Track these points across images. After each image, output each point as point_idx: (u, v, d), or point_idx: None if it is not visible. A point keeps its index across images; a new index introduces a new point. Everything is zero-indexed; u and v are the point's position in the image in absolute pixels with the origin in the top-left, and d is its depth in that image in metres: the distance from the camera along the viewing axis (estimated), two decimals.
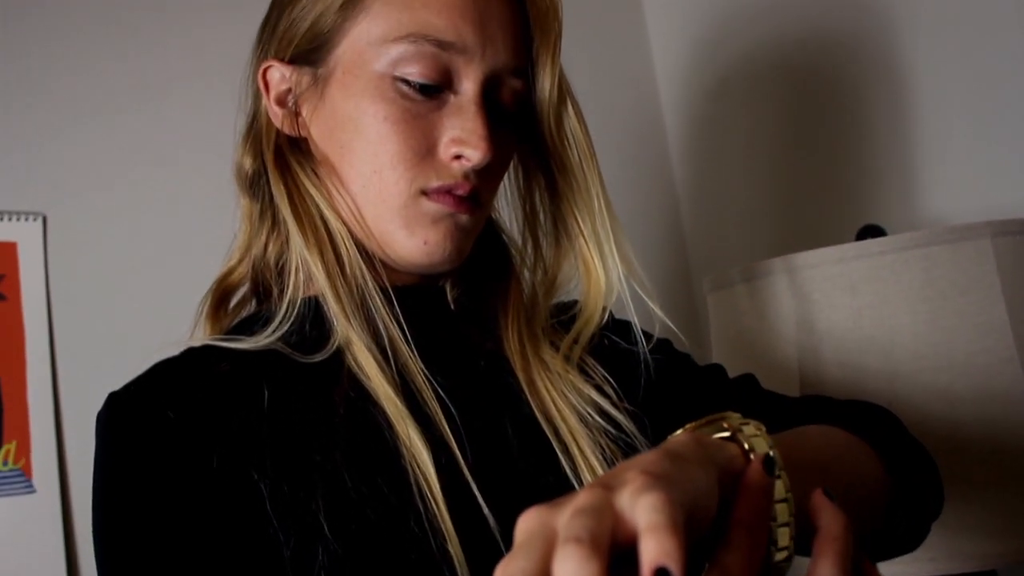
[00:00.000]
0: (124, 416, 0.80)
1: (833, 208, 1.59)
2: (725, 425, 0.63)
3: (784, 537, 0.58)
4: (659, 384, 0.96)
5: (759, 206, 1.71)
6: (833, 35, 1.58)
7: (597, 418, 0.88)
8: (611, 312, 0.98)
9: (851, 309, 1.15)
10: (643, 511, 0.47)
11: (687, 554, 0.46)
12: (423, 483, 0.78)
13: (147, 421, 0.79)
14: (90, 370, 1.21)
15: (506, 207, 1.00)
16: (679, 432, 0.60)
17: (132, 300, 1.28)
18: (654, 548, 0.45)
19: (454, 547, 0.76)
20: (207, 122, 1.26)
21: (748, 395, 0.98)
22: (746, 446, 0.62)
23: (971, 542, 1.07)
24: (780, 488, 0.61)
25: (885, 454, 0.85)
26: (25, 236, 1.23)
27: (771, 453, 0.62)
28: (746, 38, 1.71)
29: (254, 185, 0.92)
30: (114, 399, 0.82)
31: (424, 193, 0.86)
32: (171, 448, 0.77)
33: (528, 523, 0.50)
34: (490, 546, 0.78)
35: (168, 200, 1.32)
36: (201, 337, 0.92)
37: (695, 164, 1.82)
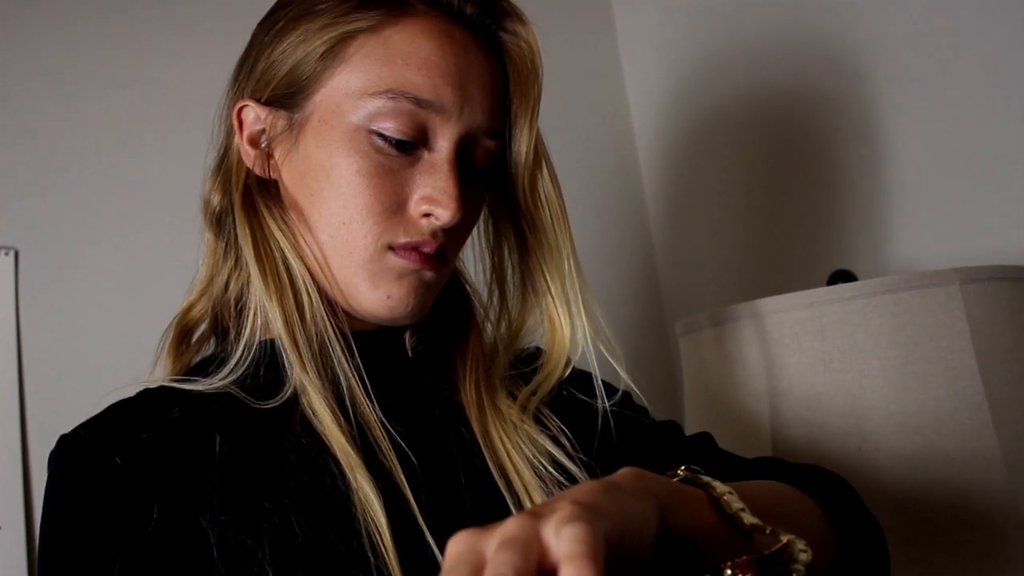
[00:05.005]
0: (71, 460, 0.81)
1: (806, 254, 1.60)
2: (680, 472, 0.65)
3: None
4: (616, 440, 0.96)
5: (732, 251, 1.72)
6: (807, 87, 1.60)
7: (551, 469, 0.89)
8: (573, 365, 0.98)
9: (821, 353, 1.15)
10: (565, 541, 0.49)
11: None
12: (374, 532, 0.78)
13: (93, 466, 0.79)
14: (59, 406, 1.19)
15: (472, 257, 1.00)
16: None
17: (103, 336, 1.27)
18: None
19: None
20: (183, 161, 1.25)
21: (703, 453, 0.97)
22: (705, 479, 0.64)
23: None
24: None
25: (830, 512, 0.84)
26: None
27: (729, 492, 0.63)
28: (721, 88, 1.73)
29: (220, 222, 0.92)
30: (63, 442, 0.82)
31: (391, 248, 0.86)
32: (115, 495, 0.77)
33: (457, 547, 0.52)
34: None
35: (141, 237, 1.32)
36: (162, 374, 0.92)
37: (670, 208, 1.83)
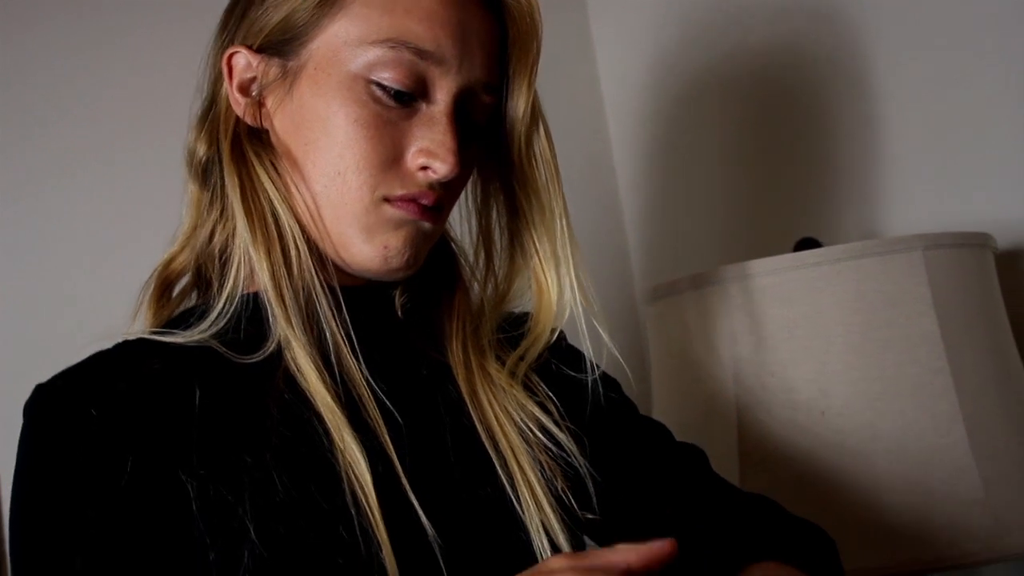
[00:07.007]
0: (47, 410, 0.79)
1: (774, 222, 1.60)
2: None
3: None
4: (604, 419, 0.96)
5: (703, 219, 1.72)
6: (778, 54, 1.60)
7: (538, 434, 0.89)
8: (564, 338, 0.99)
9: (785, 320, 1.16)
10: None
11: None
12: (358, 490, 0.78)
13: (69, 417, 0.78)
14: (21, 370, 1.19)
15: (457, 217, 0.99)
16: None
17: (66, 302, 1.25)
18: None
19: (387, 554, 0.76)
20: (150, 117, 1.24)
21: (694, 472, 0.98)
22: None
23: (897, 550, 1.08)
24: None
25: None
26: None
27: None
28: (691, 53, 1.72)
29: (206, 172, 0.90)
30: (39, 391, 0.81)
31: (387, 200, 0.85)
32: (89, 447, 0.76)
33: None
34: (426, 555, 0.78)
35: (109, 202, 1.30)
36: (140, 327, 0.90)
37: (637, 177, 1.83)
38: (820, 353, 1.15)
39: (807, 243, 1.27)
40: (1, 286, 1.23)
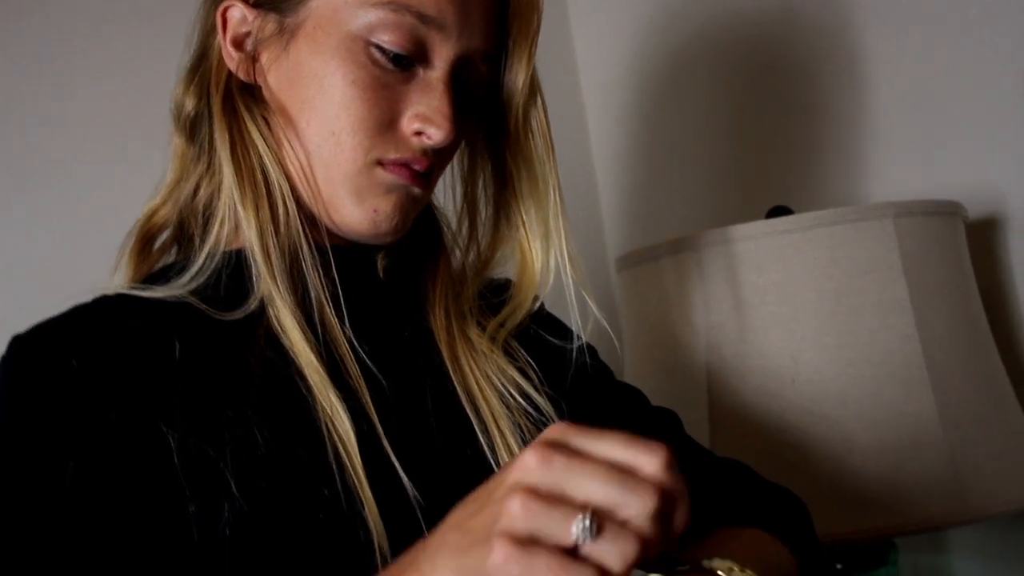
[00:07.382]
0: (26, 360, 0.78)
1: (751, 192, 1.61)
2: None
3: None
4: (583, 385, 0.97)
5: (676, 188, 1.73)
6: (761, 24, 1.60)
7: (518, 399, 0.89)
8: (543, 306, 0.99)
9: (756, 287, 1.17)
10: None
11: None
12: (341, 448, 0.78)
13: (49, 367, 0.77)
14: None
15: (441, 185, 0.99)
16: None
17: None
18: None
19: (370, 511, 0.76)
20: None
21: (668, 436, 0.98)
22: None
23: (866, 514, 1.10)
24: None
25: (800, 556, 0.90)
26: None
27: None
28: (670, 19, 1.72)
29: (194, 126, 0.90)
30: (17, 342, 0.80)
31: (380, 163, 0.85)
32: (71, 397, 0.76)
33: None
34: (407, 514, 0.79)
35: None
36: (121, 280, 0.90)
37: (611, 146, 1.83)
38: (790, 320, 1.15)
39: (779, 211, 1.28)
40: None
